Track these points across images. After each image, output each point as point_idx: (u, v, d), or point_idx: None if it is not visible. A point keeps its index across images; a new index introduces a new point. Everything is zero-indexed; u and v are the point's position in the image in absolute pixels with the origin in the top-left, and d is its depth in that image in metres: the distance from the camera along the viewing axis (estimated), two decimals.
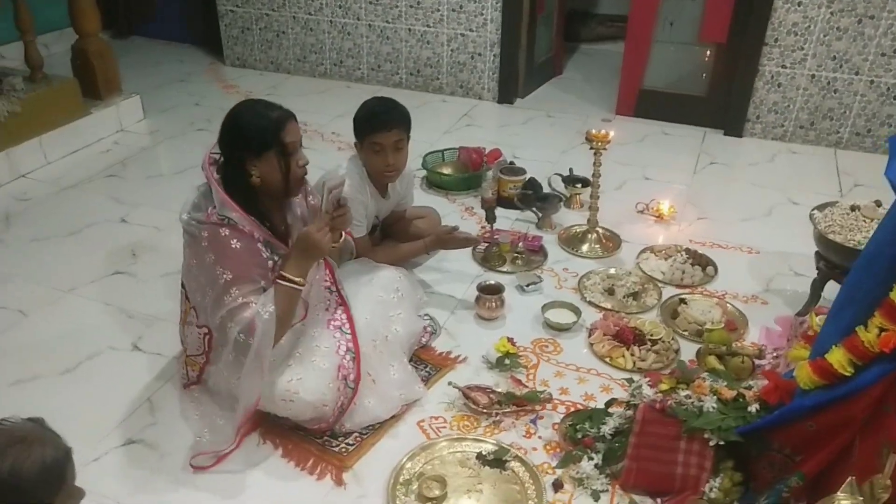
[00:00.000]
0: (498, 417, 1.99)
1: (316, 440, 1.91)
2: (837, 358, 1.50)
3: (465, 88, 4.41)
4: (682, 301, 2.48)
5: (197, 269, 1.82)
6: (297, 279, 1.76)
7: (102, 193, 3.23)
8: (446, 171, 3.32)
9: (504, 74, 4.28)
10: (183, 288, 1.94)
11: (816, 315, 1.97)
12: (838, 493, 1.37)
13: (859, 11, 3.48)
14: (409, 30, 4.35)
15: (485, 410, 2.00)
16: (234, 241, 1.75)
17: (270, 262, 1.82)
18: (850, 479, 1.41)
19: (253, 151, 1.77)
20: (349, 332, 1.95)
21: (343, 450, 1.89)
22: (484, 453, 1.88)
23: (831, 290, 2.41)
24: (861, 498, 1.33)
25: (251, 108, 1.82)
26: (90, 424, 1.96)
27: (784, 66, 3.71)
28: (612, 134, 2.62)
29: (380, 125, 2.26)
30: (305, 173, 1.89)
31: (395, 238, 2.61)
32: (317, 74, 4.70)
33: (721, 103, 3.94)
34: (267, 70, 4.82)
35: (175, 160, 3.59)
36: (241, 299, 1.74)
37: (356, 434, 1.93)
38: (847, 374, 1.48)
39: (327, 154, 3.59)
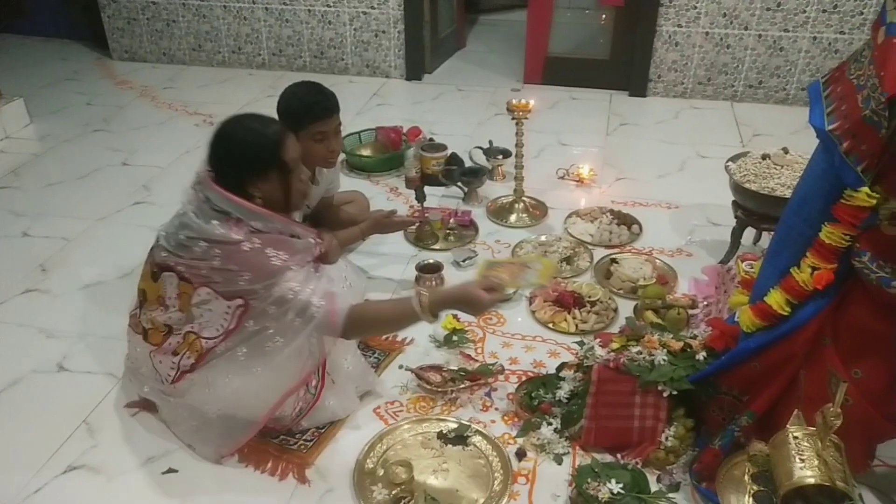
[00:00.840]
0: (453, 395, 2.00)
1: (272, 440, 1.85)
2: (776, 299, 1.58)
3: (371, 67, 4.34)
4: (614, 261, 2.55)
5: (225, 257, 1.65)
6: (430, 315, 1.71)
7: None
8: (366, 152, 3.27)
9: (410, 50, 4.24)
10: (170, 271, 1.73)
11: (743, 261, 2.08)
12: (789, 426, 1.46)
13: None
14: (309, 10, 4.22)
15: (439, 389, 2.00)
16: (285, 245, 1.68)
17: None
18: (795, 411, 1.50)
19: (253, 173, 1.68)
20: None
21: (302, 447, 1.84)
22: (445, 432, 1.88)
23: (749, 236, 2.55)
24: (812, 427, 1.42)
25: (244, 126, 1.71)
26: (25, 455, 1.83)
27: (680, 26, 3.85)
28: (532, 102, 2.64)
29: (323, 113, 2.17)
30: (308, 187, 1.85)
31: (326, 225, 2.55)
32: (215, 63, 4.51)
33: (624, 65, 4.05)
34: (160, 62, 4.58)
35: (75, 165, 3.36)
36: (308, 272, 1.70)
37: (313, 429, 1.89)
38: (785, 313, 1.57)
39: None
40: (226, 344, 1.72)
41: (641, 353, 1.76)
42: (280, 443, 1.85)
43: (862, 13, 3.62)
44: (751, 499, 1.42)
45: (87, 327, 2.27)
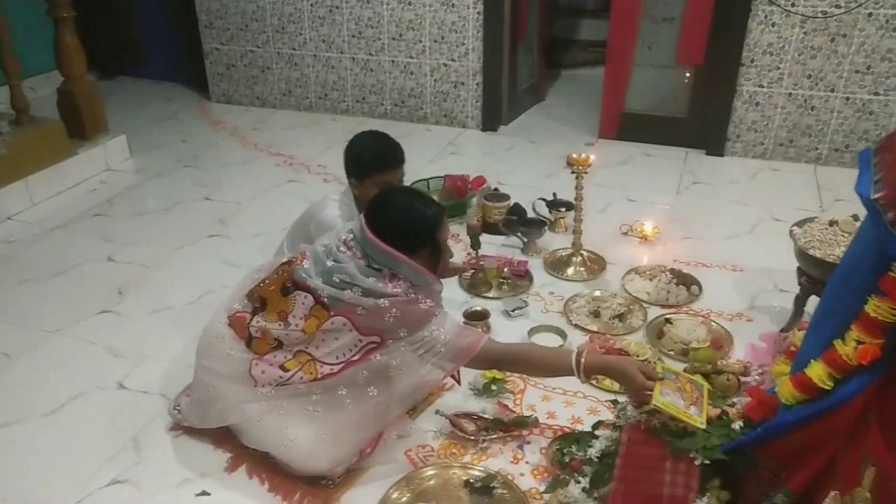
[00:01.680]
0: (485, 444, 1.99)
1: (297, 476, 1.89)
2: (817, 372, 1.50)
3: (449, 117, 4.46)
4: (668, 321, 2.49)
5: (371, 317, 1.79)
6: (582, 374, 1.81)
7: (89, 233, 3.24)
8: None
9: (487, 102, 4.33)
10: (311, 294, 1.83)
11: (799, 330, 1.98)
12: None
13: (832, 30, 3.55)
14: (393, 61, 4.41)
15: (472, 437, 2.00)
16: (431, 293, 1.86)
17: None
18: (832, 493, 1.41)
19: (406, 248, 1.81)
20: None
21: (330, 483, 1.87)
22: (471, 480, 1.87)
23: (814, 305, 2.42)
24: None
25: (406, 202, 1.86)
26: (74, 465, 1.95)
27: (761, 86, 3.77)
28: (592, 157, 2.65)
29: (392, 163, 2.30)
30: (451, 265, 2.04)
31: None
32: (302, 108, 4.75)
33: (701, 123, 3.99)
34: (253, 105, 4.87)
35: (162, 197, 3.60)
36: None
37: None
38: (827, 387, 1.49)
39: (313, 186, 3.63)
40: (343, 374, 1.82)
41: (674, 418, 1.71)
42: (309, 478, 1.89)
43: None
44: None
45: (150, 350, 2.41)
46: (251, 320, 1.90)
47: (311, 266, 1.86)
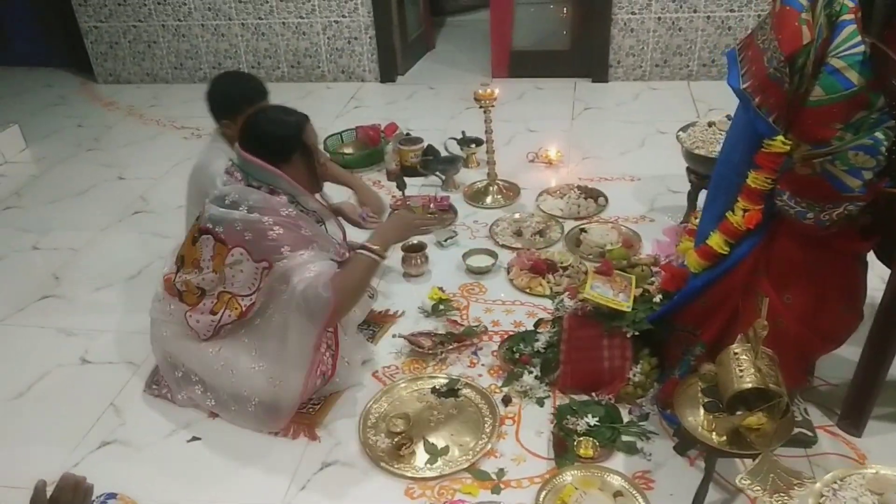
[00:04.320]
0: (443, 355, 2.21)
1: None
2: (715, 240, 1.81)
3: (346, 73, 4.55)
4: (583, 230, 2.78)
5: (258, 238, 1.88)
6: (383, 252, 1.94)
7: (4, 226, 3.18)
8: (348, 150, 3.49)
9: (382, 54, 4.46)
10: (208, 234, 1.95)
11: (695, 218, 2.31)
12: (732, 346, 1.68)
13: None
14: (284, 23, 4.44)
15: (430, 351, 2.22)
16: (298, 213, 1.94)
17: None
18: (739, 336, 1.73)
19: (279, 157, 1.93)
20: (331, 329, 2.03)
21: (311, 409, 2.05)
22: (437, 387, 2.10)
23: (703, 197, 2.78)
24: (748, 344, 1.65)
25: (270, 115, 1.97)
26: (61, 435, 2.02)
27: (633, 13, 4.10)
28: (496, 91, 2.87)
29: (261, 94, 2.35)
30: (324, 171, 2.10)
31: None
32: (196, 80, 4.70)
33: (584, 53, 4.29)
34: (143, 82, 4.78)
35: (72, 182, 3.55)
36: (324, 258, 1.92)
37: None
38: (724, 252, 1.80)
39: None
40: (260, 301, 1.93)
41: None
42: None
43: None
44: (702, 409, 1.64)
45: (104, 324, 2.47)
46: (175, 278, 2.05)
47: (209, 207, 1.98)
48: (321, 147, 2.42)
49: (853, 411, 1.87)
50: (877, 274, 1.80)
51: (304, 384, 1.94)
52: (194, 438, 2.00)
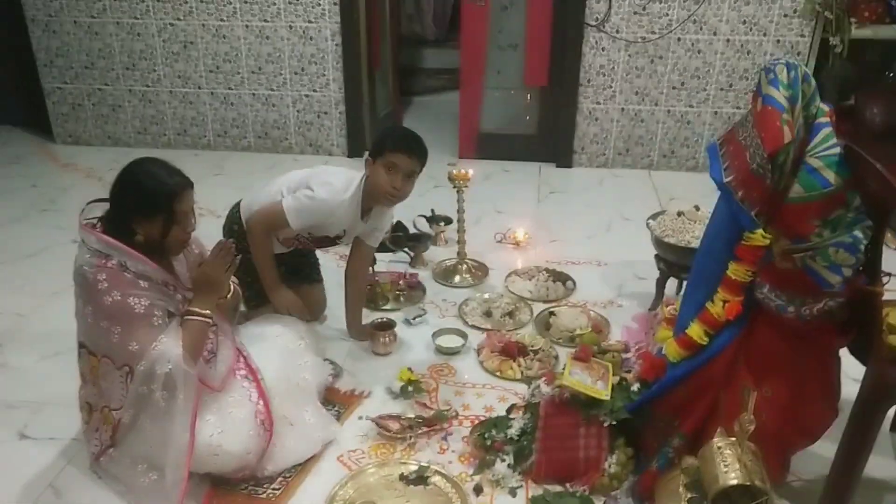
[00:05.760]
0: (412, 440, 2.13)
1: (241, 491, 1.93)
2: (695, 331, 1.81)
3: (314, 146, 4.56)
4: (552, 313, 2.77)
5: (95, 315, 1.80)
6: (204, 311, 1.86)
7: None
8: None
9: (351, 130, 4.49)
10: (83, 347, 1.89)
11: (667, 306, 2.32)
12: (714, 439, 1.66)
13: (650, 53, 4.09)
14: (254, 94, 4.45)
15: (398, 435, 2.13)
16: (134, 278, 1.80)
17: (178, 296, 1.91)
18: (719, 428, 1.71)
19: (142, 213, 1.82)
20: (254, 379, 2.01)
21: (270, 495, 1.93)
22: (406, 474, 2.00)
23: (672, 286, 2.81)
24: (732, 438, 1.62)
25: (150, 171, 1.85)
26: None
27: (598, 103, 4.24)
28: (471, 172, 2.89)
29: (405, 147, 2.31)
30: (188, 238, 1.95)
31: (349, 264, 2.64)
32: (160, 145, 4.64)
33: (550, 139, 4.41)
34: (104, 145, 4.69)
35: (23, 244, 3.39)
36: (162, 334, 1.80)
37: (280, 478, 1.98)
38: (704, 342, 1.79)
39: None
40: (129, 413, 1.84)
41: None
42: (249, 493, 1.93)
43: (752, 90, 4.08)
44: None
45: (48, 396, 2.31)
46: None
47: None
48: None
49: None
50: (844, 370, 1.82)
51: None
52: None
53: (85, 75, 4.51)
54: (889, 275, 1.65)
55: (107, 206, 1.88)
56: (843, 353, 1.79)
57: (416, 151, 2.35)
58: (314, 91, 4.40)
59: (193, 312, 1.87)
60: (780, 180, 1.60)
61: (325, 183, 2.35)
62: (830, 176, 1.56)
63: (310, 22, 4.23)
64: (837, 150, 1.58)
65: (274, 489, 1.95)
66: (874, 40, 3.92)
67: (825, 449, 1.86)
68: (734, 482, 1.50)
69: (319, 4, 4.18)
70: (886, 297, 1.64)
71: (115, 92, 4.54)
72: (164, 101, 4.53)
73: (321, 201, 2.32)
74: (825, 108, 1.64)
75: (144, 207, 1.82)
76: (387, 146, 2.31)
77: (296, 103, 4.45)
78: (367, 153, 2.40)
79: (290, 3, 4.20)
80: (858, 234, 1.55)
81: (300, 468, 2.02)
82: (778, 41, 3.97)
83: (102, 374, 1.86)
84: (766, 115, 1.59)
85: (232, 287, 2.04)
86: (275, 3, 4.21)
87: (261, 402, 1.96)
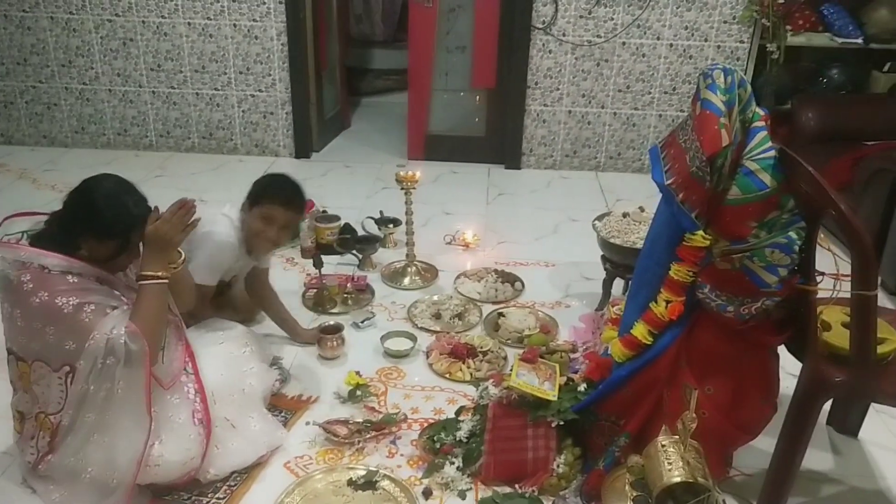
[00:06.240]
0: (360, 444, 2.10)
1: (185, 501, 1.88)
2: (639, 331, 1.84)
3: (260, 147, 4.48)
4: (501, 314, 2.78)
5: (25, 317, 1.72)
6: (158, 273, 1.76)
7: None
8: None
9: (298, 130, 4.43)
10: (11, 354, 1.80)
11: (613, 306, 2.35)
12: (658, 437, 1.68)
13: (597, 56, 4.14)
14: (197, 94, 4.35)
15: (346, 440, 2.10)
16: (61, 274, 1.71)
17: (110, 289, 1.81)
18: (663, 427, 1.74)
19: (94, 235, 1.75)
20: (192, 371, 1.94)
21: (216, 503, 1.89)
22: (354, 479, 1.98)
23: (618, 286, 2.85)
24: (676, 436, 1.65)
25: (115, 195, 1.77)
26: None
27: (546, 105, 4.28)
28: (419, 174, 2.88)
29: (284, 202, 2.27)
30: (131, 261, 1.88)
31: (252, 293, 2.61)
32: (99, 145, 4.50)
33: (499, 141, 4.42)
34: (39, 145, 4.52)
35: None
36: (104, 313, 1.71)
37: (225, 487, 1.93)
38: (648, 342, 1.83)
39: None
40: (69, 415, 1.76)
41: None
42: (192, 501, 1.88)
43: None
44: (631, 503, 1.62)
45: None
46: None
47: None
48: None
49: (770, 502, 1.89)
50: (781, 367, 1.87)
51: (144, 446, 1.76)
52: None
53: (17, 72, 4.34)
54: (822, 274, 1.70)
55: (28, 220, 1.80)
56: (781, 350, 1.85)
57: (294, 205, 2.33)
58: (260, 91, 4.33)
59: (147, 276, 1.75)
60: (718, 182, 1.64)
61: (206, 233, 2.22)
62: (766, 178, 1.61)
63: (255, 21, 4.16)
64: (773, 153, 1.62)
65: (219, 498, 1.90)
66: (808, 47, 4.08)
67: (765, 443, 1.91)
68: (677, 479, 1.53)
69: (264, 3, 4.11)
70: (820, 295, 1.70)
71: (49, 90, 4.38)
72: (102, 100, 4.39)
73: (220, 242, 2.27)
74: (761, 112, 1.69)
75: (99, 231, 1.75)
76: (265, 198, 2.29)
77: (241, 103, 4.37)
78: (245, 198, 2.35)
79: (233, 0, 4.11)
80: (793, 235, 1.59)
81: (246, 476, 1.98)
82: (719, 46, 4.08)
83: (35, 380, 1.78)
84: (704, 119, 1.63)
85: (182, 254, 1.91)
86: (218, 1, 4.12)
87: (198, 399, 1.91)
